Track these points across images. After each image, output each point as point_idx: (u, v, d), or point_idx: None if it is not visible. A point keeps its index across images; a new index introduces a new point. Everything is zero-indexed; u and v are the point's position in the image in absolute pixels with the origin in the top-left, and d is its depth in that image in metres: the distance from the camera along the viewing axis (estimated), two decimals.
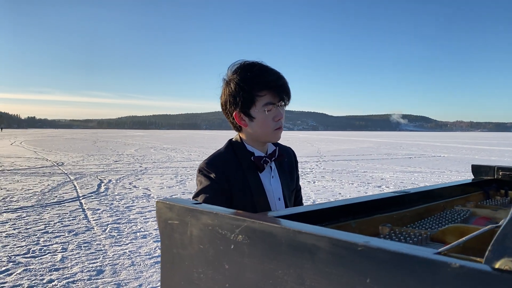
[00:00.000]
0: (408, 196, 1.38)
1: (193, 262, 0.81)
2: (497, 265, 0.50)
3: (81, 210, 6.90)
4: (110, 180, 10.54)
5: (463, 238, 0.75)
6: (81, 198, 7.94)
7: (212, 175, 1.44)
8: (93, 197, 8.06)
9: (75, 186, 9.47)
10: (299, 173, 1.74)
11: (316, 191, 9.11)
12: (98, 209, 6.92)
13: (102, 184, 9.81)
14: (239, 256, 0.72)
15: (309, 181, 10.70)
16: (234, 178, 1.46)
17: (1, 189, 8.99)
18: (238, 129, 1.56)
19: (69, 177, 11.18)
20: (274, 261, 0.66)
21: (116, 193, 8.59)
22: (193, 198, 1.46)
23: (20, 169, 13.28)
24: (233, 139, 1.58)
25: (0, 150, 23.18)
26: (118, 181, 10.38)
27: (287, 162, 1.64)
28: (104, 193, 8.54)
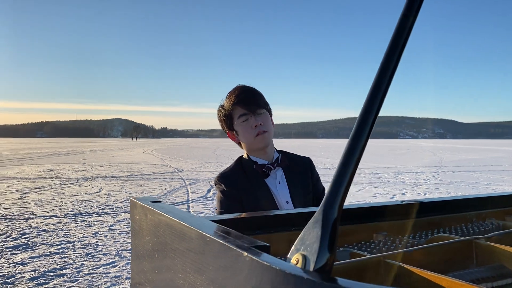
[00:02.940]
0: (423, 205, 1.32)
1: (143, 252, 0.93)
2: (292, 259, 0.53)
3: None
4: None
5: None
6: (189, 202, 8.61)
7: (223, 186, 1.68)
8: (200, 201, 8.67)
9: (187, 191, 10.28)
10: (318, 176, 1.88)
11: None
12: (202, 212, 7.44)
13: (212, 190, 10.48)
14: (161, 245, 0.82)
15: (419, 193, 10.08)
16: (242, 186, 1.67)
17: (126, 192, 10.16)
18: (240, 145, 1.81)
19: (184, 182, 12.15)
20: (171, 247, 0.75)
21: None
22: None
23: (145, 174, 14.82)
24: (242, 156, 1.80)
25: (133, 157, 26.07)
26: None
27: (300, 170, 1.80)
28: (211, 198, 9.12)
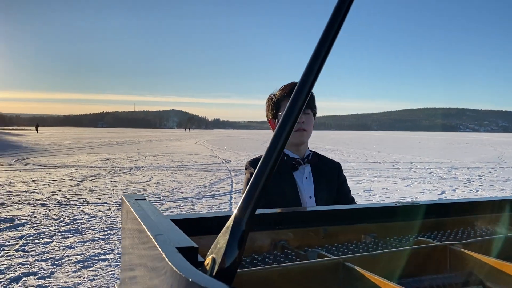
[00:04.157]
0: (417, 207, 1.31)
1: (126, 240, 1.01)
2: (206, 261, 0.58)
3: (228, 203, 7.66)
4: None
5: None
6: (232, 193, 8.77)
7: (253, 170, 1.79)
8: None
9: (232, 182, 10.47)
10: (345, 180, 1.95)
11: None
12: None
13: None
14: (131, 240, 0.89)
15: (471, 190, 9.64)
16: None
17: (174, 181, 10.52)
18: None
19: (230, 173, 12.37)
20: (135, 242, 0.82)
21: None
22: None
23: (194, 164, 15.23)
24: None
25: (185, 148, 26.83)
26: None
27: (328, 170, 1.88)
28: None
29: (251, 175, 1.74)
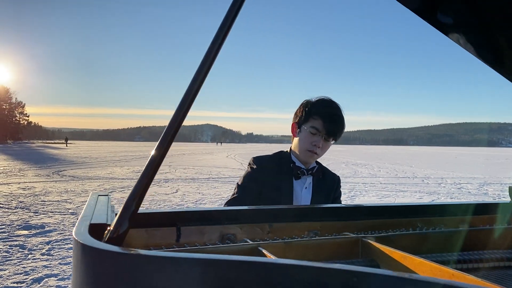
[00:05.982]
0: (363, 209, 1.45)
1: None
2: (106, 232, 0.75)
3: None
4: None
5: None
6: None
7: (254, 166, 1.85)
8: None
9: None
10: (339, 195, 2.02)
11: None
12: None
13: None
14: None
15: None
16: (271, 174, 1.82)
17: (199, 193, 10.78)
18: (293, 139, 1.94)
19: None
20: None
21: None
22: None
23: (221, 177, 15.50)
24: (284, 150, 1.95)
25: (215, 161, 27.27)
26: None
27: (327, 184, 1.94)
28: None
29: (251, 170, 1.86)
